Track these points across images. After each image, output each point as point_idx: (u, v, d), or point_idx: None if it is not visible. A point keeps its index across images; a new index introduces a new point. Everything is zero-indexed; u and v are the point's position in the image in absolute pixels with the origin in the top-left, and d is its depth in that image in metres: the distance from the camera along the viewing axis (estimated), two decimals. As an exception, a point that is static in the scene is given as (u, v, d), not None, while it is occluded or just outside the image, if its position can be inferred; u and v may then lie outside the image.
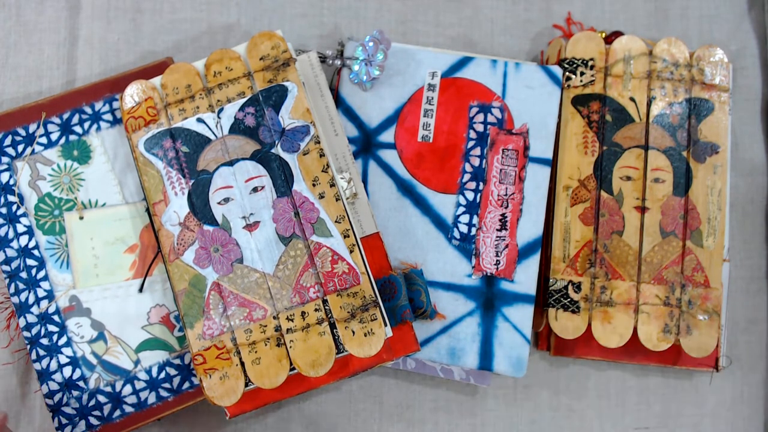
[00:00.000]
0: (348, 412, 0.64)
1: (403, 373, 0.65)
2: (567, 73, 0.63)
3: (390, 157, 0.62)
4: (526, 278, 0.61)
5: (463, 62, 0.63)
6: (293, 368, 0.54)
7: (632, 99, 0.63)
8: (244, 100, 0.57)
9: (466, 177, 0.61)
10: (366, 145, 0.62)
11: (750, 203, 0.68)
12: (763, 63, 0.70)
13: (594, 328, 0.60)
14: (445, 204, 0.61)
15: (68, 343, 0.59)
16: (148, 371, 0.59)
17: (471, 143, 0.62)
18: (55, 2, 0.67)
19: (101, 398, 0.58)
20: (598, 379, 0.66)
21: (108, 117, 0.62)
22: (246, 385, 0.54)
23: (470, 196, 0.61)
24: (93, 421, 0.58)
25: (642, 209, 0.62)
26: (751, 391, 0.67)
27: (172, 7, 0.67)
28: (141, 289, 0.59)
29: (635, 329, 0.61)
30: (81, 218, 0.60)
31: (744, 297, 0.67)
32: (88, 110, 0.62)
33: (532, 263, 0.61)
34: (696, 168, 0.63)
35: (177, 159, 0.57)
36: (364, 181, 0.62)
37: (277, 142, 0.56)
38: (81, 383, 0.58)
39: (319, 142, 0.56)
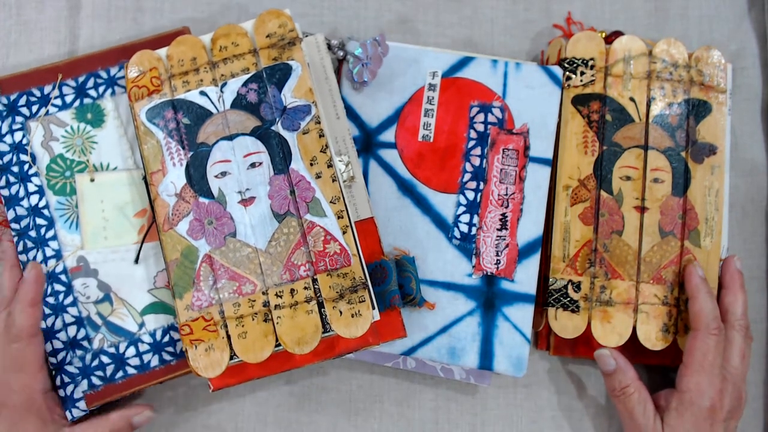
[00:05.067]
0: (348, 412, 0.64)
1: (403, 372, 0.65)
2: (567, 73, 0.63)
3: (390, 156, 0.62)
4: (526, 278, 0.61)
5: (464, 62, 0.63)
6: (279, 345, 0.54)
7: (632, 99, 0.63)
8: (248, 76, 0.58)
9: (467, 177, 0.61)
10: (366, 144, 0.62)
11: (750, 203, 0.69)
12: (763, 63, 0.70)
13: (593, 328, 0.60)
14: (446, 203, 0.61)
15: (74, 303, 0.59)
16: (152, 334, 0.59)
17: (471, 143, 0.62)
18: (55, 1, 0.67)
19: (104, 359, 0.58)
20: (598, 378, 0.66)
21: (123, 82, 0.62)
22: (231, 358, 0.54)
23: (471, 195, 0.61)
24: (95, 381, 0.58)
25: (641, 209, 0.62)
26: (751, 391, 0.67)
27: (173, 7, 0.67)
28: (137, 261, 0.59)
29: (634, 329, 0.61)
30: (92, 180, 0.60)
31: (743, 297, 0.67)
32: (104, 74, 0.62)
33: (533, 263, 0.61)
34: (694, 168, 0.63)
35: (177, 130, 0.57)
36: (365, 180, 0.62)
37: (277, 119, 0.57)
38: (85, 343, 0.59)
39: (319, 123, 0.57)
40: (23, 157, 0.60)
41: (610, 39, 0.65)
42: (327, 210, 0.55)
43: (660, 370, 0.66)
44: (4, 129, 0.60)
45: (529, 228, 0.61)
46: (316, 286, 0.55)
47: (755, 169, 0.69)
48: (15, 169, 0.60)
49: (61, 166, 0.61)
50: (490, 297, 0.60)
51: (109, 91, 0.62)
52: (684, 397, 0.58)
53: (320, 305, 0.54)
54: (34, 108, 0.61)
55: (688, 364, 0.59)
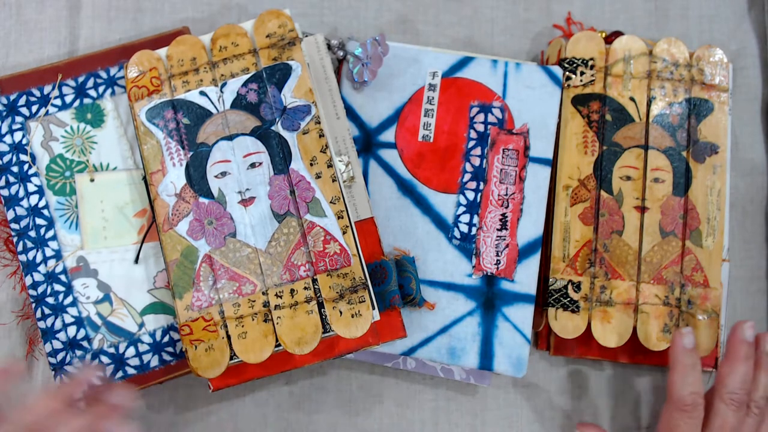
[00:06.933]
0: (348, 412, 0.64)
1: (403, 373, 0.65)
2: (567, 73, 0.63)
3: (391, 156, 0.62)
4: (526, 278, 0.61)
5: (464, 62, 0.63)
6: (279, 345, 0.54)
7: (632, 99, 0.63)
8: (248, 76, 0.58)
9: (467, 177, 0.61)
10: (367, 144, 0.62)
11: (750, 203, 0.69)
12: (763, 63, 0.70)
13: (593, 328, 0.60)
14: (446, 204, 0.61)
15: (74, 303, 0.59)
16: (152, 334, 0.59)
17: (471, 143, 0.62)
18: (55, 1, 0.67)
19: (104, 359, 0.59)
20: (598, 379, 0.66)
21: (122, 82, 0.62)
22: (231, 359, 0.54)
23: (471, 195, 0.61)
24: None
25: (642, 209, 0.62)
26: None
27: (173, 7, 0.67)
28: (137, 261, 0.60)
29: (635, 329, 0.61)
30: (92, 180, 0.60)
31: (744, 297, 0.67)
32: (103, 75, 0.62)
33: (533, 263, 0.61)
34: (695, 168, 0.63)
35: (177, 130, 0.57)
36: (365, 180, 0.62)
37: (277, 119, 0.57)
38: (85, 343, 0.59)
39: (319, 123, 0.57)
40: (23, 157, 0.60)
41: (610, 39, 0.65)
42: (327, 210, 0.56)
43: (660, 371, 0.66)
44: (4, 129, 0.61)
45: (529, 228, 0.61)
46: (316, 287, 0.55)
47: (755, 169, 0.69)
48: (15, 169, 0.60)
49: (61, 166, 0.61)
50: (490, 297, 0.60)
51: (109, 91, 0.62)
52: None
53: (320, 305, 0.54)
54: (34, 108, 0.61)
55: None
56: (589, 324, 0.61)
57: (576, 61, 0.63)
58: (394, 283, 0.57)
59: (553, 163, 0.62)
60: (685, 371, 0.57)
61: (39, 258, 0.59)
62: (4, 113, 0.61)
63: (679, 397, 0.56)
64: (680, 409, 0.56)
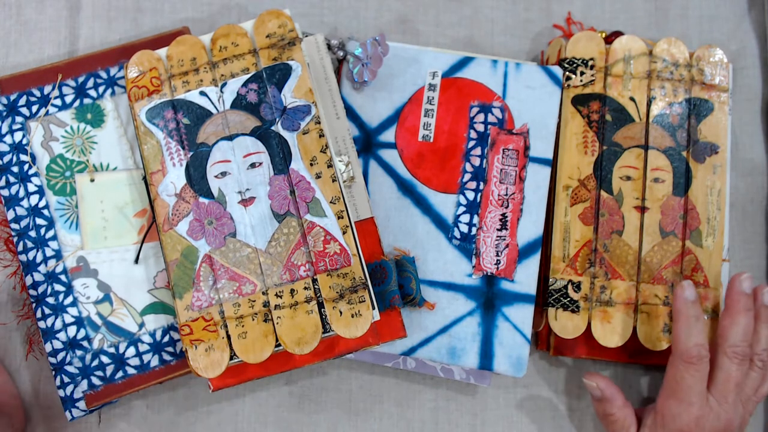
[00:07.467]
0: (348, 412, 0.64)
1: (403, 373, 0.65)
2: (567, 73, 0.63)
3: (390, 156, 0.62)
4: (526, 278, 0.61)
5: (464, 62, 0.63)
6: (279, 345, 0.54)
7: (632, 99, 0.63)
8: (248, 76, 0.58)
9: (467, 177, 0.61)
10: (366, 144, 0.62)
11: (750, 203, 0.69)
12: (763, 63, 0.70)
13: (594, 328, 0.60)
14: (446, 204, 0.61)
15: (74, 303, 0.59)
16: (152, 334, 0.59)
17: (471, 143, 0.62)
18: (55, 1, 0.67)
19: (104, 359, 0.59)
20: (598, 378, 0.66)
21: (123, 82, 0.62)
22: (231, 359, 0.54)
23: (471, 195, 0.61)
24: (95, 381, 0.58)
25: (642, 209, 0.62)
26: (751, 391, 0.67)
27: (173, 7, 0.67)
28: (137, 261, 0.60)
29: (635, 329, 0.61)
30: (92, 181, 0.60)
31: (743, 297, 0.67)
32: (103, 75, 0.62)
33: (533, 263, 0.61)
34: (695, 168, 0.63)
35: (177, 130, 0.57)
36: (365, 180, 0.62)
37: (277, 119, 0.57)
38: (85, 343, 0.59)
39: (319, 123, 0.57)
40: (23, 157, 0.61)
41: (610, 39, 0.65)
42: (327, 210, 0.56)
43: (660, 371, 0.66)
44: (4, 129, 0.61)
45: (529, 228, 0.61)
46: (316, 287, 0.55)
47: (755, 169, 0.69)
48: (15, 169, 0.60)
49: (61, 166, 0.61)
50: (490, 297, 0.60)
51: (109, 91, 0.62)
52: (657, 417, 0.57)
53: (320, 305, 0.54)
54: (34, 108, 0.61)
55: (664, 386, 0.58)
56: (589, 324, 0.61)
57: (576, 61, 0.63)
58: (394, 283, 0.57)
59: (553, 163, 0.62)
60: (689, 323, 0.56)
61: (39, 258, 0.59)
62: (4, 113, 0.61)
63: (684, 350, 0.56)
64: (686, 361, 0.56)
